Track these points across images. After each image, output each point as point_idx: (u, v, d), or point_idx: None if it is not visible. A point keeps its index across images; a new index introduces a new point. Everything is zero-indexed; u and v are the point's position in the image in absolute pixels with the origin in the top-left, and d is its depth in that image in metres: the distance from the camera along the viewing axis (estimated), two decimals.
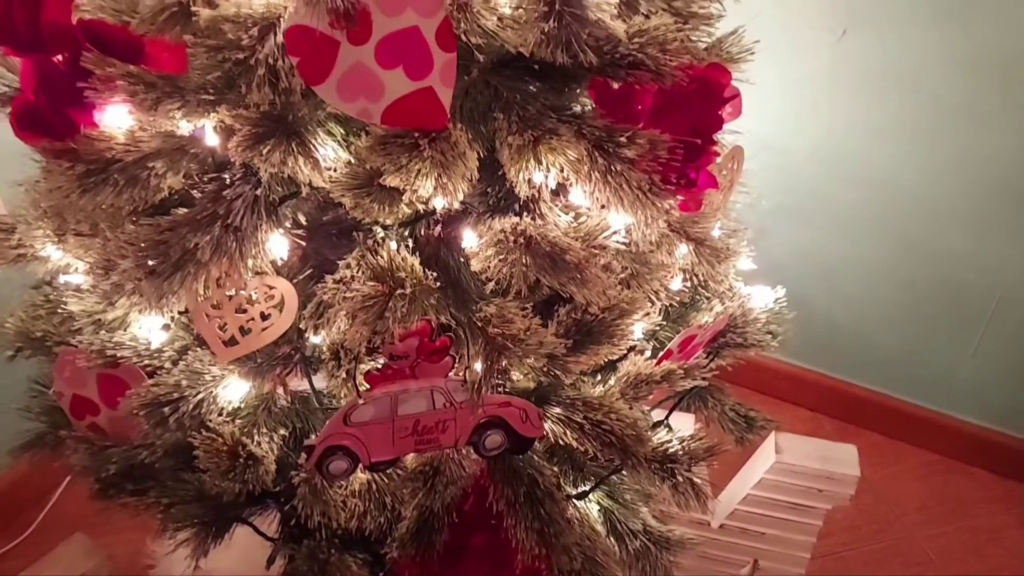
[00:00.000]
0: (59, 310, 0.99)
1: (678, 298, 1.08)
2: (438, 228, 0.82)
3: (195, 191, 0.80)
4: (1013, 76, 1.42)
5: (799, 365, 1.96)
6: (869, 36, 1.45)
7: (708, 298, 1.15)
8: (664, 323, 1.08)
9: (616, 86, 0.82)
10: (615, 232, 0.82)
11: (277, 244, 0.79)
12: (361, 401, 0.84)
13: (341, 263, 0.80)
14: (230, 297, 0.83)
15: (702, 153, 0.86)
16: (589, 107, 0.85)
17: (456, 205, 0.76)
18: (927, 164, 1.53)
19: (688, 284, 1.06)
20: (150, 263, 0.76)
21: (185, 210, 0.78)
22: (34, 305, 1.04)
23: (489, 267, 0.78)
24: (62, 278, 0.97)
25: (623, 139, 0.74)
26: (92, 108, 0.77)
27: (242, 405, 0.93)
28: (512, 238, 0.76)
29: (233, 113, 0.71)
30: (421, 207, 0.78)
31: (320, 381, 0.92)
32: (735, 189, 1.08)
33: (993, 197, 1.53)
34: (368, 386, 0.84)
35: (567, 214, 0.84)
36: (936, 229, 1.59)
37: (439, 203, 0.77)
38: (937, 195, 1.56)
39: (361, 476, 0.92)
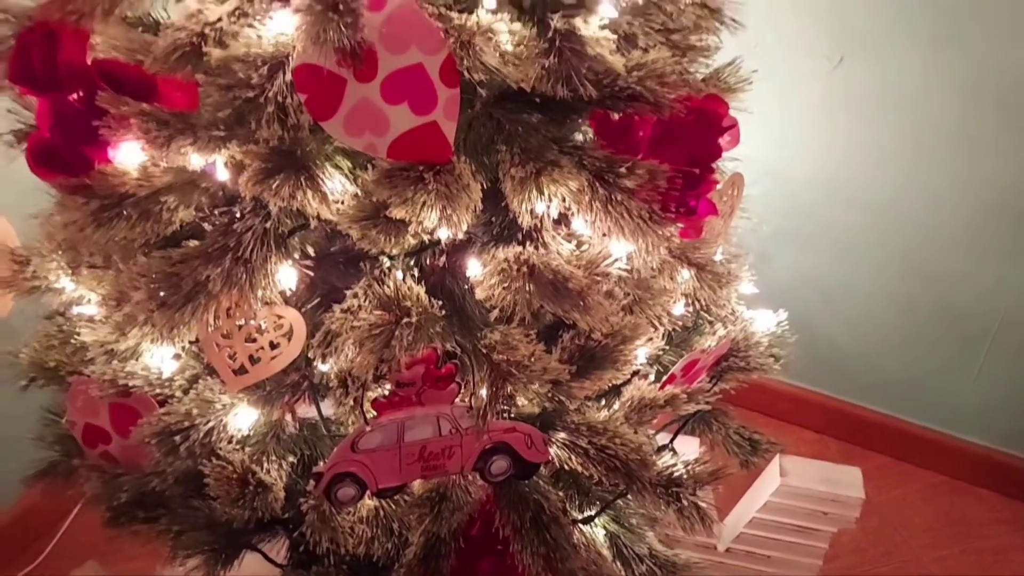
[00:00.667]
0: (72, 340, 1.01)
1: (681, 323, 1.09)
2: (443, 257, 0.83)
3: (206, 224, 0.82)
4: (1010, 101, 1.44)
5: (803, 387, 1.96)
6: (866, 62, 1.47)
7: (711, 322, 1.17)
8: (667, 348, 1.09)
9: (616, 117, 0.84)
10: (617, 260, 0.84)
11: (286, 275, 0.81)
12: (368, 428, 0.85)
13: (348, 292, 0.82)
14: (240, 327, 0.84)
15: (701, 181, 0.88)
16: (590, 136, 0.87)
17: (460, 235, 0.78)
18: (926, 188, 1.54)
19: (690, 309, 1.08)
20: (162, 295, 0.78)
21: (196, 242, 0.80)
22: (47, 335, 1.06)
23: (493, 295, 0.79)
24: (75, 309, 0.99)
25: (623, 170, 0.76)
26: (106, 145, 0.79)
27: (251, 433, 0.95)
28: (515, 267, 0.77)
29: (243, 149, 0.73)
30: (426, 237, 0.79)
31: (328, 408, 0.94)
32: (736, 215, 1.09)
33: (991, 220, 1.54)
34: (375, 413, 0.86)
35: (570, 242, 0.86)
36: (936, 252, 1.61)
37: (444, 233, 0.78)
38: (936, 218, 1.58)
39: (369, 502, 0.93)
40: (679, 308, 1.05)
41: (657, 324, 0.98)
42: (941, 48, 1.42)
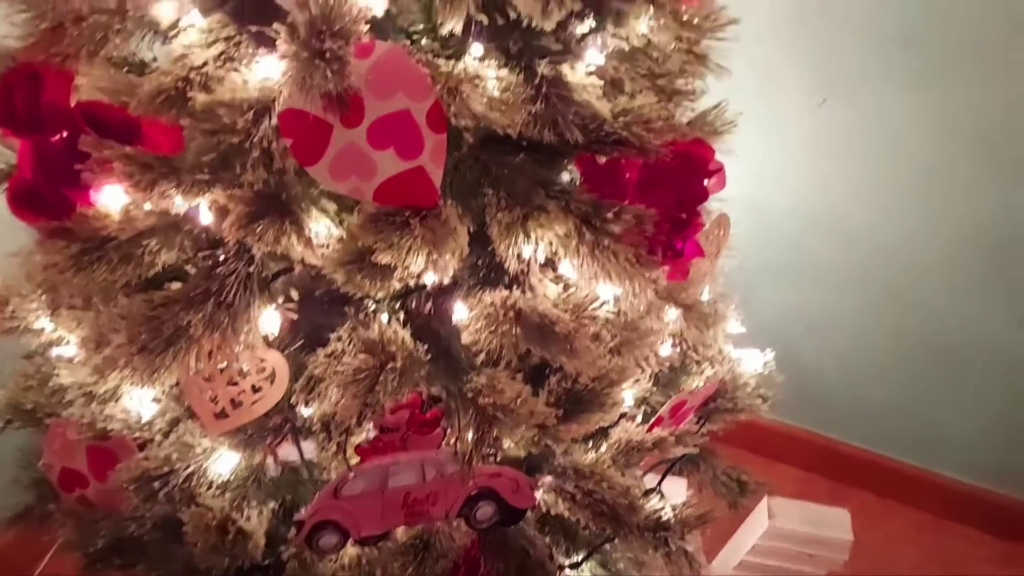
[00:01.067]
0: (50, 382, 0.99)
1: (668, 363, 1.09)
2: (428, 301, 0.83)
3: (188, 266, 0.81)
4: (985, 140, 1.47)
5: (790, 423, 1.96)
6: (846, 102, 1.50)
7: (698, 362, 1.16)
8: (654, 388, 1.09)
9: (602, 160, 0.84)
10: (604, 303, 0.83)
11: (269, 319, 0.80)
12: (352, 474, 0.84)
13: (332, 336, 0.81)
14: (221, 370, 0.83)
15: (688, 224, 0.88)
16: (577, 178, 0.87)
17: (447, 280, 0.77)
18: (905, 221, 1.57)
19: (677, 349, 1.07)
20: (143, 338, 0.76)
21: (178, 284, 0.79)
22: (25, 376, 1.04)
23: (479, 339, 0.79)
24: (54, 351, 0.97)
25: (610, 215, 0.76)
26: (89, 187, 0.78)
27: (232, 477, 0.93)
28: (502, 311, 0.77)
29: (228, 193, 0.72)
30: (412, 282, 0.79)
31: (310, 451, 0.92)
32: (722, 255, 1.10)
33: (971, 252, 1.57)
34: (359, 459, 0.84)
35: (556, 285, 0.85)
36: (918, 283, 1.63)
37: (430, 278, 0.78)
38: (916, 250, 1.60)
39: (351, 550, 0.91)
40: (666, 349, 1.05)
41: (644, 366, 0.98)
42: (918, 90, 1.45)
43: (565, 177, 0.86)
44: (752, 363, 1.17)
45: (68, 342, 0.96)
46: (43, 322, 0.96)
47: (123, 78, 0.79)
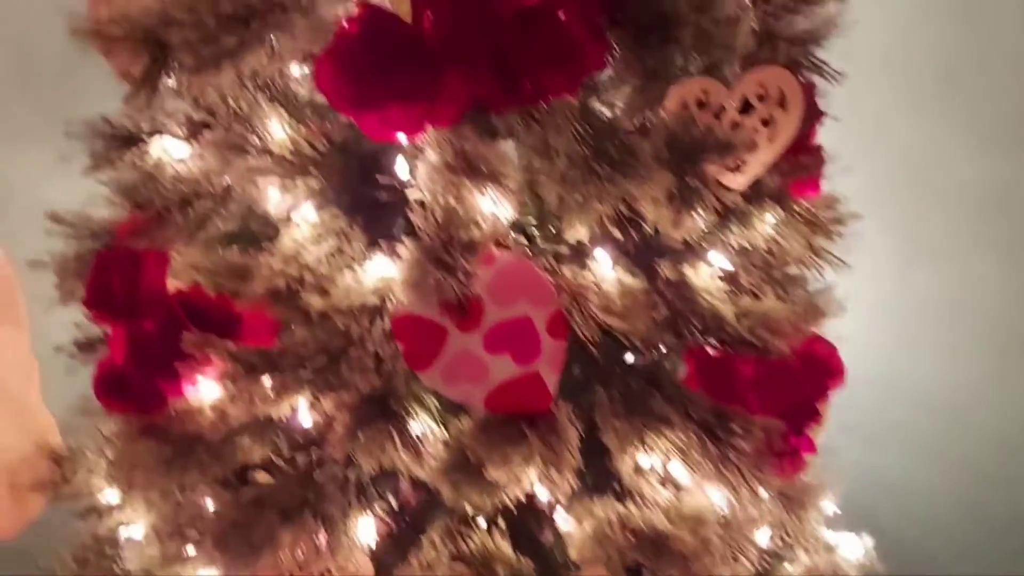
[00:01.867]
0: (114, 561, 0.93)
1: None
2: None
3: (280, 461, 0.77)
4: None
5: None
6: (933, 268, 1.46)
7: (791, 546, 1.08)
8: None
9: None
10: (720, 511, 0.77)
11: (365, 528, 0.75)
12: None
13: (425, 540, 0.75)
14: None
15: (806, 425, 0.82)
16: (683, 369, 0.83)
17: (563, 499, 0.72)
18: (997, 394, 1.50)
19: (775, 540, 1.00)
20: (228, 540, 0.71)
21: (267, 479, 0.74)
22: (84, 547, 0.98)
23: (585, 552, 0.73)
24: (120, 531, 0.92)
25: (737, 428, 0.71)
26: (182, 378, 0.74)
27: None
28: (618, 529, 0.71)
29: (333, 397, 0.68)
30: (522, 496, 0.73)
31: None
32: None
33: None
34: None
35: (664, 487, 0.79)
36: (998, 455, 1.54)
37: (542, 493, 0.72)
38: (1009, 426, 1.52)
39: None
40: (763, 537, 0.98)
41: (745, 562, 0.90)
42: (1009, 258, 1.40)
43: (674, 372, 0.81)
44: (851, 550, 1.09)
45: (134, 522, 0.90)
46: (110, 495, 0.91)
47: (224, 262, 0.77)
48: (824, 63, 0.80)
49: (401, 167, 0.67)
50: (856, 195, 1.46)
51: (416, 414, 0.73)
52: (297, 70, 0.71)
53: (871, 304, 1.56)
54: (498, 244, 0.66)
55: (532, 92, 0.55)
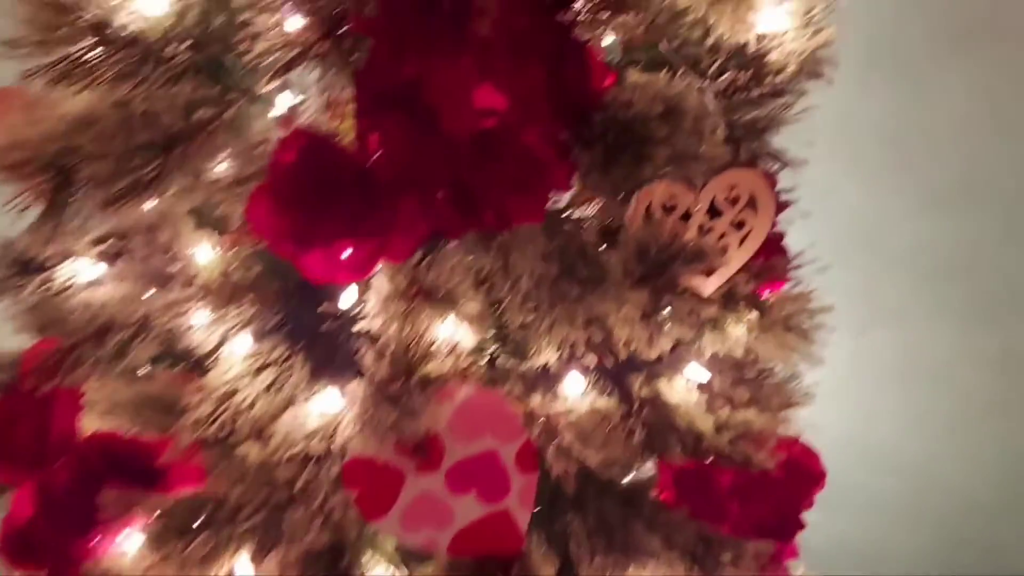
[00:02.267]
0: None
1: None
2: None
3: None
4: None
5: None
6: (892, 334, 1.44)
7: None
8: None
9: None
10: None
11: None
12: None
13: None
14: None
15: (790, 534, 0.77)
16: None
17: None
18: (961, 455, 1.48)
19: None
20: None
21: None
22: None
23: None
24: None
25: (726, 556, 0.65)
26: (99, 535, 0.65)
27: None
28: None
29: (277, 556, 0.60)
30: None
31: None
32: None
33: None
34: None
35: None
36: (977, 520, 1.51)
37: None
38: (975, 486, 1.50)
39: None
40: None
41: None
42: (972, 324, 1.40)
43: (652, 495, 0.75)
44: None
45: None
46: None
47: (144, 396, 0.68)
48: (783, 152, 0.77)
49: (348, 294, 0.60)
50: (809, 260, 1.45)
51: (372, 567, 0.66)
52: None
53: (832, 370, 1.54)
54: (459, 374, 0.59)
55: (494, 220, 0.49)
